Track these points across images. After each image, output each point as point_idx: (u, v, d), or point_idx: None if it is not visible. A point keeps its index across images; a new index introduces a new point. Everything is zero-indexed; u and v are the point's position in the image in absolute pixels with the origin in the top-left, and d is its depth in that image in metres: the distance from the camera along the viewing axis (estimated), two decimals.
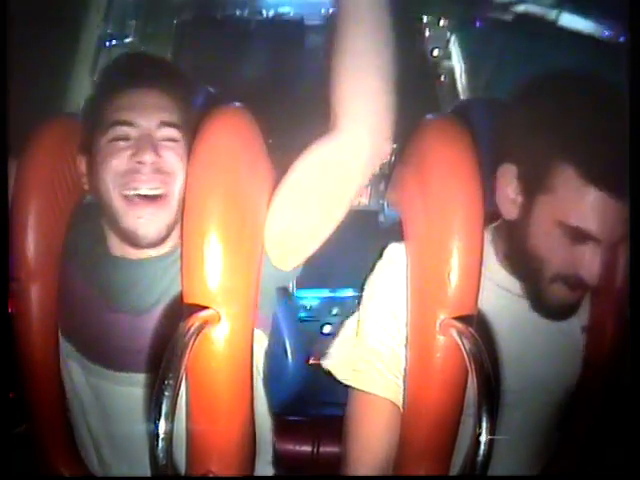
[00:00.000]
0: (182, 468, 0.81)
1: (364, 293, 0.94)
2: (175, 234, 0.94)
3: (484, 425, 0.64)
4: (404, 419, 0.85)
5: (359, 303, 0.95)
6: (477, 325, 0.77)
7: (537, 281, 0.86)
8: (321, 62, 0.80)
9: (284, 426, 1.25)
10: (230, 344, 0.74)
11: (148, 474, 0.65)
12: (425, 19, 3.07)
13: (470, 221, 0.78)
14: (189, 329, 0.66)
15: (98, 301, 0.95)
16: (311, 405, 1.40)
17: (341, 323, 0.98)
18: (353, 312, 0.96)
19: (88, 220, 1.02)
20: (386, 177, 1.12)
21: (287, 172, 0.84)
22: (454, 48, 2.95)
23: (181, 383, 0.63)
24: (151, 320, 0.91)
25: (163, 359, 0.63)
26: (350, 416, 0.94)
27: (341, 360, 0.95)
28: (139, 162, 0.88)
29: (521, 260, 0.88)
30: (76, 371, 0.97)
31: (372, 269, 0.94)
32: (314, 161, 0.82)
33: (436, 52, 3.01)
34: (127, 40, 2.61)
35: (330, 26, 0.78)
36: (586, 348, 0.93)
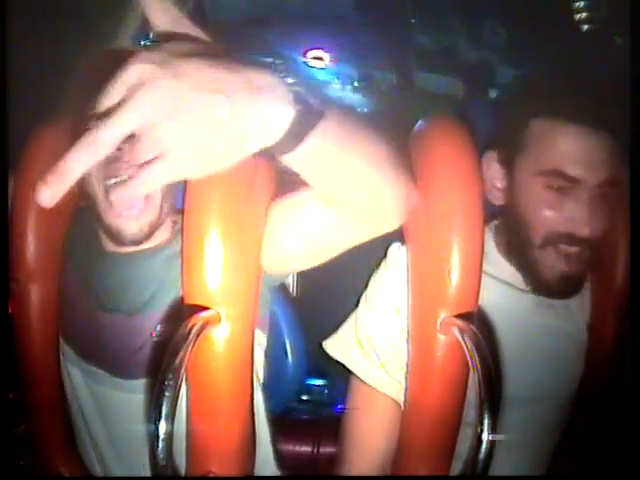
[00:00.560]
0: (182, 469, 0.81)
1: (367, 292, 0.94)
2: (166, 228, 0.94)
3: (485, 423, 0.64)
4: (404, 418, 0.85)
5: (360, 302, 0.95)
6: (478, 323, 0.77)
7: (529, 253, 0.87)
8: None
9: (284, 426, 1.25)
10: (231, 345, 0.74)
11: (148, 475, 0.65)
12: None
13: (470, 219, 0.78)
14: (190, 330, 0.66)
15: (94, 302, 0.95)
16: (311, 405, 1.40)
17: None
18: None
19: (86, 221, 1.02)
20: None
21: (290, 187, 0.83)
22: None
23: (181, 384, 0.63)
24: (147, 320, 0.91)
25: (163, 360, 0.62)
26: (349, 415, 0.94)
27: (345, 345, 0.94)
28: (118, 149, 0.88)
29: (513, 237, 0.89)
30: (75, 374, 0.97)
31: (376, 268, 0.94)
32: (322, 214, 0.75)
33: None
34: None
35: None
36: (588, 347, 0.93)
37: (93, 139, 0.45)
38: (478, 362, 0.67)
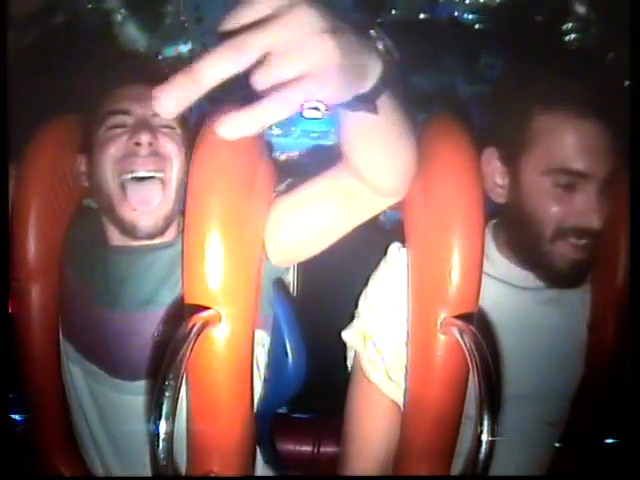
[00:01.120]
0: (183, 468, 0.81)
1: (367, 292, 0.94)
2: (173, 226, 0.94)
3: (485, 424, 0.64)
4: (405, 418, 0.85)
5: (360, 300, 0.95)
6: (478, 323, 0.77)
7: (540, 247, 0.86)
8: None
9: (284, 425, 1.25)
10: (231, 344, 0.74)
11: (149, 474, 0.65)
12: None
13: (470, 219, 0.78)
14: (190, 329, 0.66)
15: (97, 300, 0.95)
16: (311, 405, 1.40)
17: None
18: None
19: (88, 220, 1.02)
20: None
21: (293, 180, 0.84)
22: None
23: (182, 384, 0.63)
24: (149, 319, 0.91)
25: (164, 360, 0.62)
26: (350, 415, 0.94)
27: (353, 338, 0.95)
28: (136, 143, 0.89)
29: (521, 234, 0.88)
30: (76, 374, 0.97)
31: (375, 268, 0.94)
32: (328, 188, 0.81)
33: None
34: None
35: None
36: (587, 346, 0.93)
37: (238, 44, 0.40)
38: (478, 362, 0.67)
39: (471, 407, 0.69)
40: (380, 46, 0.53)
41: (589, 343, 0.93)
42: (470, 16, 1.51)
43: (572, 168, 0.81)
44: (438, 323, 0.77)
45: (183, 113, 0.43)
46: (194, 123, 0.94)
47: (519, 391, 0.88)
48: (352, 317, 0.96)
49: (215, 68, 0.39)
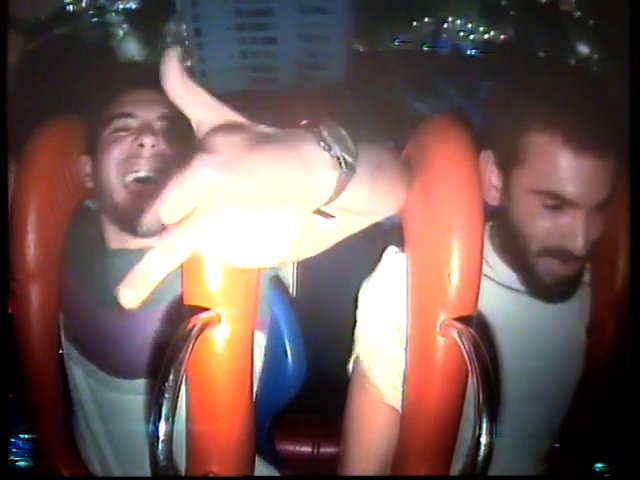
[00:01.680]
0: (182, 469, 0.81)
1: (362, 296, 0.94)
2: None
3: (484, 426, 0.64)
4: (403, 420, 0.85)
5: (357, 306, 0.95)
6: (477, 325, 0.77)
7: (526, 260, 0.86)
8: None
9: (284, 426, 1.25)
10: (230, 345, 0.74)
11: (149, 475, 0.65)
12: None
13: (470, 221, 0.78)
14: (189, 331, 0.66)
15: (98, 300, 0.95)
16: (311, 405, 1.41)
17: None
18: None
19: (87, 221, 1.02)
20: None
21: None
22: None
23: (181, 385, 0.63)
24: (150, 319, 0.91)
25: (163, 361, 0.63)
26: (350, 415, 0.94)
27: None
28: (140, 145, 0.91)
29: (509, 243, 0.88)
30: (78, 375, 0.97)
31: (371, 271, 0.94)
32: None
33: None
34: None
35: None
36: (587, 347, 0.93)
37: (169, 244, 0.48)
38: (476, 364, 0.67)
39: (470, 408, 0.69)
40: (332, 159, 0.49)
41: (588, 344, 0.93)
42: (473, 51, 1.53)
43: (562, 195, 0.80)
44: (437, 325, 0.77)
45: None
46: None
47: (518, 393, 0.88)
48: (352, 318, 0.96)
49: (155, 269, 0.48)
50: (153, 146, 0.91)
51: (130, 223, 0.92)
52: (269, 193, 0.45)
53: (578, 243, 0.81)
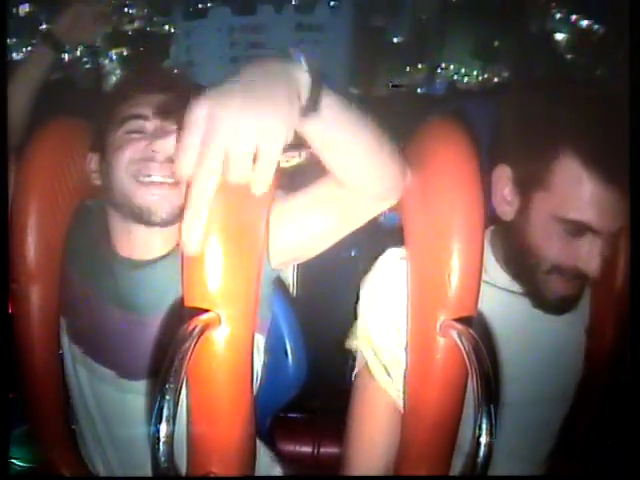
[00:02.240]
0: (183, 469, 0.81)
1: (362, 297, 0.94)
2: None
3: (484, 427, 0.65)
4: (404, 420, 0.86)
5: (357, 307, 0.95)
6: (477, 326, 0.78)
7: (534, 276, 0.86)
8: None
9: (284, 426, 1.25)
10: (231, 346, 0.74)
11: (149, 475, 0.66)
12: None
13: (470, 222, 0.78)
14: (190, 332, 0.66)
15: (103, 302, 0.95)
16: (311, 405, 1.41)
17: None
18: None
19: (89, 220, 1.02)
20: None
21: (291, 181, 0.85)
22: None
23: (182, 386, 0.63)
24: (156, 322, 0.91)
25: (164, 363, 0.63)
26: (352, 416, 0.94)
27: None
28: (153, 150, 0.90)
29: (519, 258, 0.88)
30: (82, 375, 0.97)
31: (371, 272, 0.94)
32: (330, 195, 0.82)
33: None
34: None
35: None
36: (587, 349, 0.93)
37: (197, 178, 0.57)
38: (476, 365, 0.67)
39: (470, 409, 0.70)
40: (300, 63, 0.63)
41: (588, 346, 0.93)
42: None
43: (587, 224, 0.80)
44: (437, 326, 0.78)
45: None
46: None
47: (518, 394, 0.88)
48: (352, 318, 0.96)
49: (197, 208, 0.58)
50: (167, 151, 0.90)
51: (143, 215, 0.91)
52: (257, 88, 0.57)
53: (593, 266, 0.81)
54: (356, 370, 0.95)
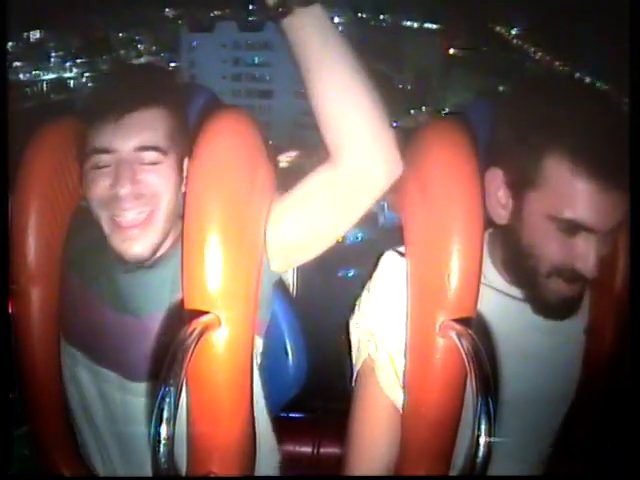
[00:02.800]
0: (183, 469, 0.82)
1: (362, 299, 0.94)
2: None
3: (483, 427, 0.65)
4: (404, 420, 0.86)
5: (357, 309, 0.95)
6: (476, 327, 0.78)
7: (534, 280, 0.86)
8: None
9: (284, 426, 1.25)
10: (230, 348, 0.75)
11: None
12: None
13: (470, 223, 0.79)
14: (190, 334, 0.66)
15: (102, 303, 0.95)
16: (311, 405, 1.41)
17: None
18: None
19: (91, 222, 1.02)
20: None
21: (291, 183, 0.85)
22: None
23: (182, 388, 0.63)
24: (154, 324, 0.91)
25: (164, 364, 0.63)
26: (352, 417, 0.95)
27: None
28: (120, 187, 0.88)
29: (517, 262, 0.88)
30: (85, 378, 0.97)
31: (371, 272, 0.94)
32: (323, 183, 0.83)
33: None
34: None
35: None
36: (586, 350, 0.93)
37: None
38: (475, 365, 0.68)
39: (469, 409, 0.70)
40: None
41: (588, 347, 0.93)
42: None
43: (581, 222, 0.79)
44: (437, 326, 0.78)
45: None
46: (191, 130, 0.93)
47: (518, 395, 0.88)
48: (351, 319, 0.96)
49: None
50: (132, 190, 0.88)
51: (118, 255, 0.91)
52: None
53: (589, 265, 0.81)
54: (356, 370, 0.95)
